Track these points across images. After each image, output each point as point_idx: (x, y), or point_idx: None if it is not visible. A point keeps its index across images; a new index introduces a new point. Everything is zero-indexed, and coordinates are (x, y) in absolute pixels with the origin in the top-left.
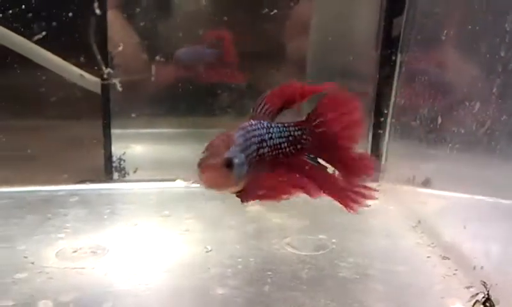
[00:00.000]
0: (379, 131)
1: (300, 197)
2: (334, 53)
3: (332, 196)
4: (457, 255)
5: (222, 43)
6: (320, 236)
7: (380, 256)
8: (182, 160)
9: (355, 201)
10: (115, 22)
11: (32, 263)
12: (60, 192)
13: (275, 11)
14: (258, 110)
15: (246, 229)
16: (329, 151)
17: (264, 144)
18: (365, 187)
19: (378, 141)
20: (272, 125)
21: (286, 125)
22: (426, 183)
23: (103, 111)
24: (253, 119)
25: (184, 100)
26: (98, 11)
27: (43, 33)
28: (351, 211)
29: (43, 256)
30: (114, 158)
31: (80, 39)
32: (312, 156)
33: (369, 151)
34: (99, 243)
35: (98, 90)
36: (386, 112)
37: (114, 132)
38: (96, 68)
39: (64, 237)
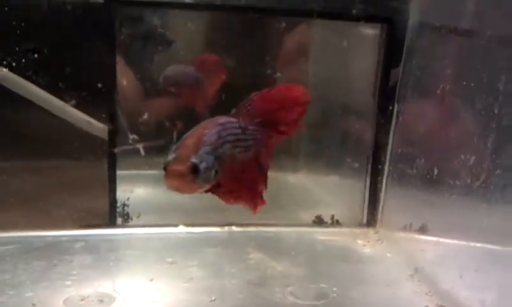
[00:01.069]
0: (377, 178)
1: (302, 244)
2: (332, 101)
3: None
4: (454, 304)
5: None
6: (322, 285)
7: (380, 306)
8: (183, 205)
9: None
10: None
11: None
12: (65, 238)
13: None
14: (243, 109)
15: (249, 277)
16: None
17: (239, 143)
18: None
19: (376, 188)
20: (249, 127)
21: (255, 127)
22: (423, 230)
23: (108, 155)
24: (234, 117)
25: None
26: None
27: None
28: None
29: (50, 304)
30: (118, 204)
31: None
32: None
33: (366, 198)
34: (106, 291)
35: (105, 136)
36: (383, 159)
37: (120, 173)
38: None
39: (70, 285)
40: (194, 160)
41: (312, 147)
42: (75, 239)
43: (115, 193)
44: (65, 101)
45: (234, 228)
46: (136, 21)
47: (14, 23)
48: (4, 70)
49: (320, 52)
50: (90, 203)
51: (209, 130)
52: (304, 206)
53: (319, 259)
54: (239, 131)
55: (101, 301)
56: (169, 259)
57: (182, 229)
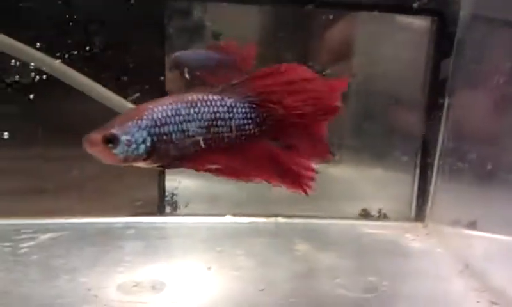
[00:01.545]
0: (426, 172)
1: (348, 237)
2: (380, 93)
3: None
4: (507, 301)
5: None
6: (370, 278)
7: (430, 301)
8: (230, 195)
9: (306, 184)
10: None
11: (96, 296)
12: (116, 225)
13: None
14: (230, 88)
15: (296, 269)
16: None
17: (221, 122)
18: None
19: (425, 182)
20: (237, 104)
21: (253, 106)
22: (473, 225)
23: None
24: (218, 95)
25: None
26: None
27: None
28: (302, 193)
29: (105, 290)
30: (167, 193)
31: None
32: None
33: (415, 192)
34: (157, 278)
35: None
36: (433, 153)
37: None
38: None
39: (123, 271)
40: (114, 131)
41: (356, 139)
42: (126, 226)
43: (164, 182)
44: (115, 92)
45: (280, 219)
46: (185, 14)
47: (67, 16)
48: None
49: (368, 44)
50: (140, 191)
51: (161, 105)
52: (349, 198)
53: (366, 252)
54: (221, 109)
55: (153, 287)
56: (218, 248)
57: (229, 219)
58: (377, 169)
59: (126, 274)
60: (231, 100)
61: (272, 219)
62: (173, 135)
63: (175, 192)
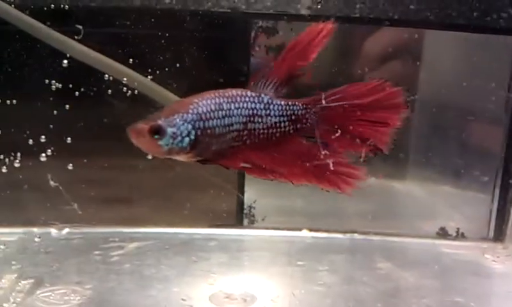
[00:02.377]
0: (507, 192)
1: (428, 256)
2: (453, 94)
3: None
4: None
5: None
6: (457, 298)
7: None
8: (306, 209)
9: (346, 182)
10: None
11: (191, 306)
12: (197, 236)
13: None
14: (259, 84)
15: (382, 287)
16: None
17: (258, 119)
18: (354, 168)
19: (505, 202)
20: (274, 102)
21: (290, 103)
22: None
23: None
24: (251, 92)
25: None
26: None
27: None
28: (342, 191)
29: (198, 300)
30: (245, 205)
31: None
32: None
33: (494, 212)
34: (247, 290)
35: None
36: None
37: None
38: None
39: (213, 282)
40: (161, 123)
41: (426, 155)
42: (208, 238)
43: (243, 194)
44: None
45: (357, 236)
46: (270, 32)
47: (157, 33)
48: None
49: (441, 58)
50: (219, 203)
51: (205, 99)
52: (425, 217)
53: (448, 272)
54: (259, 106)
55: (244, 300)
56: (300, 263)
57: (305, 233)
58: (450, 187)
59: (216, 285)
60: (267, 97)
61: (348, 235)
62: (216, 130)
63: (252, 205)
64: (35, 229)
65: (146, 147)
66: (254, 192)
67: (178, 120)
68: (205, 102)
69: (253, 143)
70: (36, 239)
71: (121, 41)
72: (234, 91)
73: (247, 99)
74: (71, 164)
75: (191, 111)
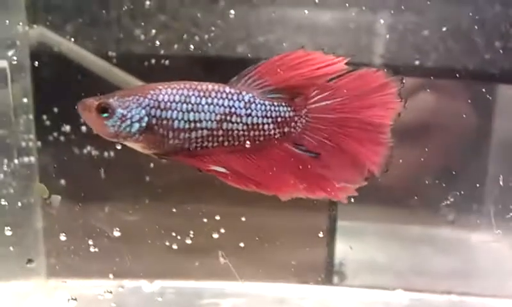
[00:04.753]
0: None
1: None
2: None
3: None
4: None
5: None
6: None
7: None
8: (398, 266)
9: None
10: None
11: None
12: (287, 292)
13: None
14: (243, 81)
15: None
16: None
17: (236, 119)
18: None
19: None
20: (257, 101)
21: (276, 103)
22: None
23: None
24: (235, 88)
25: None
26: None
27: None
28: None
29: None
30: (335, 260)
31: None
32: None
33: None
34: None
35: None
36: None
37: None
38: None
39: None
40: (111, 101)
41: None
42: (301, 296)
43: (333, 249)
44: None
45: (454, 297)
46: None
47: None
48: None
49: None
50: (305, 257)
51: (171, 88)
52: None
53: None
54: (237, 104)
55: None
56: None
57: (400, 293)
58: None
59: None
60: (250, 94)
61: (445, 296)
62: (176, 123)
63: (343, 262)
64: (126, 281)
65: (92, 124)
66: (345, 244)
67: (131, 103)
68: (170, 91)
69: (231, 146)
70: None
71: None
72: (210, 86)
73: (223, 95)
74: None
75: (149, 96)
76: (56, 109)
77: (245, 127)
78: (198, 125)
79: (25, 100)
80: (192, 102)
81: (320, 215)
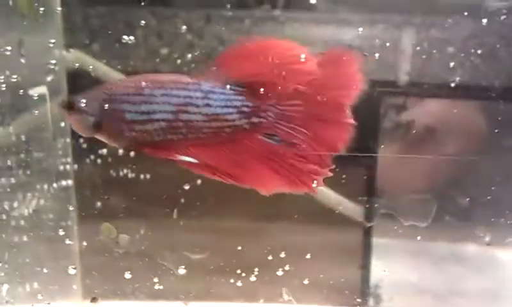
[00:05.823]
0: None
1: None
2: None
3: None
4: None
5: None
6: None
7: None
8: (434, 287)
9: (306, 181)
10: None
11: None
12: None
13: None
14: (208, 71)
15: None
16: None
17: (193, 109)
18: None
19: None
20: (217, 91)
21: (239, 93)
22: None
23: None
24: (195, 78)
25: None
26: None
27: None
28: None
29: None
30: (371, 283)
31: None
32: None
33: None
34: None
35: (359, 217)
36: None
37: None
38: None
39: None
40: (80, 99)
41: None
42: None
43: (369, 272)
44: None
45: None
46: (400, 109)
47: None
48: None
49: None
50: (339, 278)
51: (129, 81)
52: None
53: None
54: (196, 94)
55: None
56: None
57: None
58: None
59: None
60: (208, 84)
61: None
62: (128, 115)
63: (379, 284)
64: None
65: (67, 120)
66: (381, 265)
67: (89, 97)
68: (127, 84)
69: (197, 138)
70: None
71: None
72: (170, 76)
73: (179, 85)
74: None
75: (106, 91)
76: None
77: (205, 118)
78: (153, 116)
79: (62, 124)
80: (146, 93)
81: (353, 232)
